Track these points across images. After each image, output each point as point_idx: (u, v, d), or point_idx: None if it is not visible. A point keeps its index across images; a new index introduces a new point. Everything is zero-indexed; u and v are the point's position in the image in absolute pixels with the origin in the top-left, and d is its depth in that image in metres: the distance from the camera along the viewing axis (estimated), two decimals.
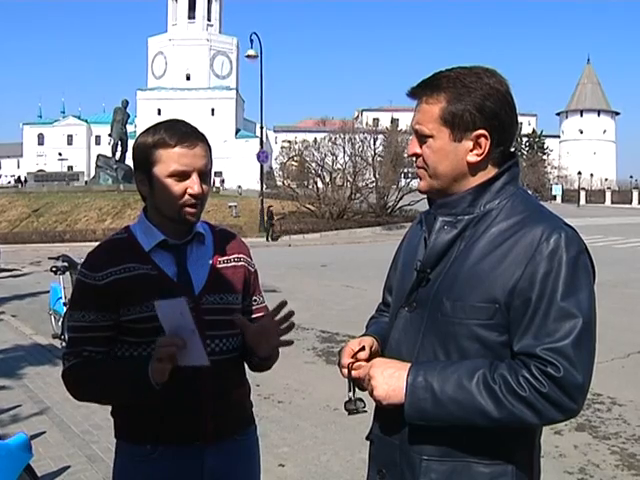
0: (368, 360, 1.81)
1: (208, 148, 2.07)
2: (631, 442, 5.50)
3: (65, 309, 8.99)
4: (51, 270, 9.56)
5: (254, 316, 2.28)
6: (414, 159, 1.80)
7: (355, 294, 13.79)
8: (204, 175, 2.04)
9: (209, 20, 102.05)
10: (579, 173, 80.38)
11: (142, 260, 2.06)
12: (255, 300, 2.31)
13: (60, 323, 9.11)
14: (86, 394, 2.14)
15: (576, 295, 1.58)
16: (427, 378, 1.62)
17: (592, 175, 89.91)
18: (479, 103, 1.66)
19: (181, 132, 2.02)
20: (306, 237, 31.12)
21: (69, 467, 4.84)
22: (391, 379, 1.66)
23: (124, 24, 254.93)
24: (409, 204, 35.68)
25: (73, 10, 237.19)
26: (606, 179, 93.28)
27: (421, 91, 1.74)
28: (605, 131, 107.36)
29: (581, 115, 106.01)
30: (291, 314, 2.09)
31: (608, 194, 76.68)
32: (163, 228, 2.08)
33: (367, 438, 1.97)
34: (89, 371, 2.06)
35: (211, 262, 2.15)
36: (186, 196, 2.01)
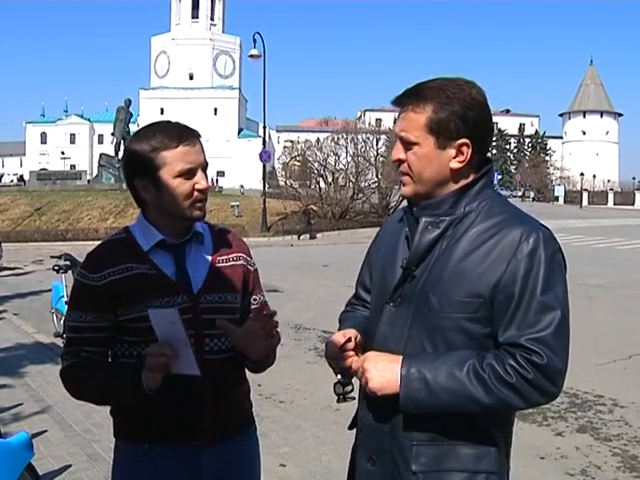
0: (354, 351, 1.90)
1: (201, 144, 2.09)
2: (633, 444, 5.50)
3: (67, 307, 8.99)
4: (53, 269, 9.57)
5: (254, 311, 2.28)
6: (398, 165, 1.88)
7: None
8: (205, 170, 2.07)
9: (212, 20, 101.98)
10: (582, 174, 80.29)
11: (140, 260, 2.06)
12: (255, 299, 2.30)
13: (62, 322, 9.12)
14: (83, 394, 2.14)
15: (554, 289, 1.72)
16: (420, 369, 1.72)
17: (595, 176, 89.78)
18: (463, 113, 1.77)
19: (178, 131, 2.02)
20: (308, 237, 31.10)
21: (70, 466, 4.84)
22: (385, 371, 1.75)
23: (127, 23, 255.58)
24: None
25: (76, 9, 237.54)
26: (609, 180, 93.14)
27: (407, 100, 1.84)
28: (608, 132, 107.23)
29: (584, 116, 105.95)
30: (273, 313, 2.09)
31: (611, 195, 76.58)
32: (162, 228, 2.09)
33: (350, 427, 2.05)
34: (86, 372, 2.07)
35: (210, 261, 2.15)
36: (195, 193, 2.03)
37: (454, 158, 1.80)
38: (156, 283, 2.05)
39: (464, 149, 1.79)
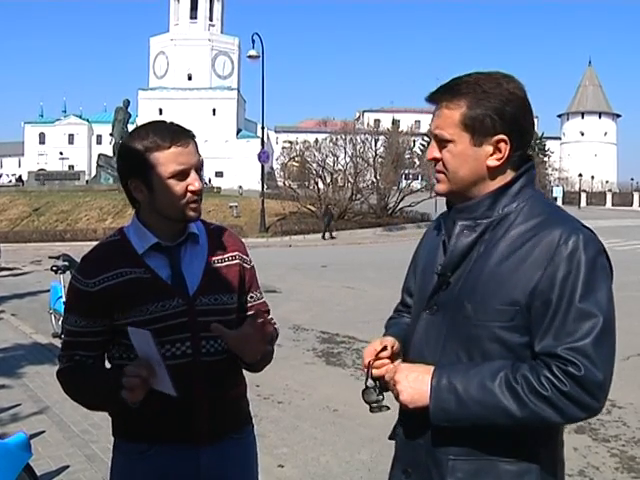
0: (390, 359, 1.85)
1: (196, 143, 2.08)
2: (631, 445, 5.51)
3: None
4: (51, 269, 9.57)
5: (250, 313, 2.26)
6: (433, 163, 1.81)
7: (355, 295, 13.79)
8: (199, 171, 2.06)
9: (211, 20, 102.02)
10: (580, 175, 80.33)
11: (135, 264, 2.06)
12: (252, 297, 2.29)
13: (60, 322, 9.10)
14: (76, 398, 2.16)
15: (595, 295, 1.62)
16: (451, 380, 1.65)
17: (593, 177, 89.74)
18: (499, 108, 1.68)
19: (171, 132, 2.01)
20: (307, 237, 31.11)
21: (68, 467, 4.84)
22: (415, 383, 1.69)
23: (126, 24, 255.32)
24: (410, 205, 35.71)
25: (75, 9, 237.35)
26: (607, 181, 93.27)
27: (440, 96, 1.75)
28: (606, 133, 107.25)
29: (582, 117, 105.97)
30: (267, 321, 2.11)
31: (609, 196, 76.67)
32: (157, 230, 2.08)
33: (390, 438, 1.98)
34: (78, 377, 2.10)
35: (205, 262, 2.14)
36: (188, 194, 2.02)
37: (491, 155, 1.71)
38: (151, 287, 2.04)
39: (501, 146, 1.70)
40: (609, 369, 1.62)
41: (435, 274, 1.80)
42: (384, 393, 1.84)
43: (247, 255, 2.28)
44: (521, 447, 1.69)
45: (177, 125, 2.07)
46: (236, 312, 2.20)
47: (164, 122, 2.08)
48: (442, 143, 1.75)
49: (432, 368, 1.70)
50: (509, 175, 1.75)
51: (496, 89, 1.69)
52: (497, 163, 1.72)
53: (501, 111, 1.68)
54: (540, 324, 1.63)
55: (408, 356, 1.85)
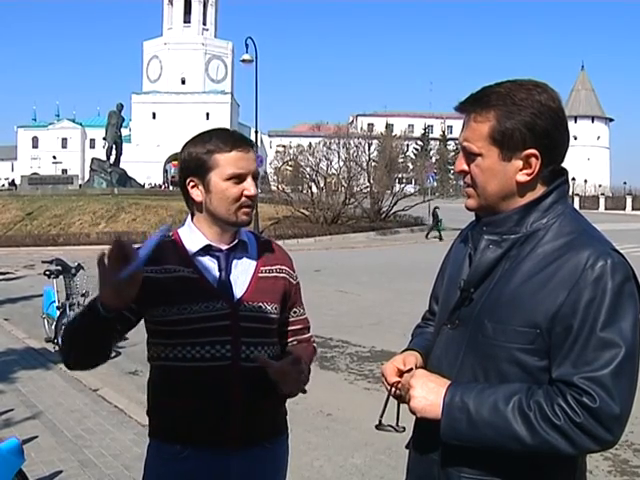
0: None
1: (255, 152, 2.18)
2: (624, 448, 5.51)
3: (58, 313, 8.96)
4: (44, 274, 9.52)
5: (291, 328, 2.38)
6: (462, 176, 1.77)
7: (349, 299, 13.79)
8: (255, 179, 2.13)
9: (204, 24, 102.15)
10: (573, 179, 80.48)
11: (185, 263, 2.12)
12: (295, 312, 2.39)
13: (53, 327, 9.08)
14: (69, 349, 2.09)
15: (619, 324, 1.55)
16: (464, 399, 1.62)
17: (586, 181, 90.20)
18: (530, 122, 1.63)
19: (233, 137, 2.11)
20: (300, 242, 31.05)
21: (61, 472, 4.82)
22: (430, 394, 1.66)
23: (119, 28, 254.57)
24: (403, 209, 35.71)
25: (68, 13, 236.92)
26: (600, 185, 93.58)
27: (470, 107, 1.71)
28: (599, 137, 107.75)
29: (575, 121, 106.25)
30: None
31: (602, 200, 76.91)
32: (208, 233, 2.15)
33: (407, 447, 1.97)
34: (69, 329, 2.06)
35: (253, 271, 2.20)
36: (243, 198, 2.10)
37: (521, 170, 1.66)
38: (197, 287, 2.10)
39: (532, 161, 1.64)
40: (627, 402, 1.55)
41: (458, 289, 1.76)
42: (393, 429, 1.82)
43: (294, 271, 2.36)
44: (536, 471, 1.64)
45: (239, 133, 2.18)
46: (278, 324, 2.26)
47: (227, 129, 2.18)
48: (470, 156, 1.71)
49: (449, 382, 1.67)
50: (539, 190, 1.70)
51: (527, 100, 1.63)
52: (527, 178, 1.67)
53: (532, 125, 1.63)
54: (559, 350, 1.58)
55: (427, 369, 1.82)
